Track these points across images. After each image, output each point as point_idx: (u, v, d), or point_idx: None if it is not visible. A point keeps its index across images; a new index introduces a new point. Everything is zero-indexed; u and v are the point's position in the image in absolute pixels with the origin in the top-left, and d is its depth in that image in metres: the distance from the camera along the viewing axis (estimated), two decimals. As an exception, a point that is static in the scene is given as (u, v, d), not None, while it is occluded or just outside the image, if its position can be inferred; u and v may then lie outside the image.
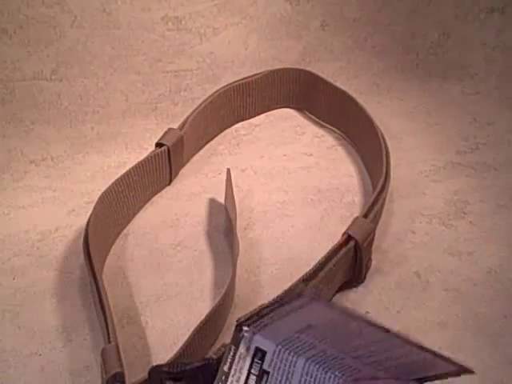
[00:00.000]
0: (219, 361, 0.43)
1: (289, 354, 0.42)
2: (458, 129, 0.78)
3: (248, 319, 0.42)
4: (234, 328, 0.43)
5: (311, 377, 0.42)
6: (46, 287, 0.56)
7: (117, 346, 0.45)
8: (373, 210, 0.58)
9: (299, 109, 0.81)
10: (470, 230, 0.62)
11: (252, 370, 0.41)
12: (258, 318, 0.42)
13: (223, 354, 0.42)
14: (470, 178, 0.69)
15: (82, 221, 0.60)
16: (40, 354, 0.50)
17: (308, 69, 0.80)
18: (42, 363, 0.49)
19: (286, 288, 0.45)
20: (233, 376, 0.40)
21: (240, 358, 0.41)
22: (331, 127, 0.77)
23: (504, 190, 0.68)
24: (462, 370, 0.38)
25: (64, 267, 0.58)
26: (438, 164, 0.72)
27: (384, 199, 0.61)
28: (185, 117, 0.70)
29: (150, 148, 0.67)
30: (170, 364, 0.43)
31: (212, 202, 0.66)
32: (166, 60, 0.77)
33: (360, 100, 0.73)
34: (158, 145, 0.65)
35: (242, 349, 0.42)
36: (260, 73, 0.77)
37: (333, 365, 0.42)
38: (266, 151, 0.74)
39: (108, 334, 0.47)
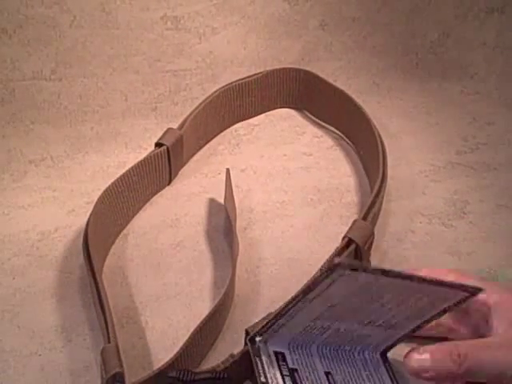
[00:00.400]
0: (227, 371, 0.44)
1: (301, 347, 0.44)
2: (457, 129, 0.78)
3: (260, 329, 0.44)
4: (245, 342, 0.45)
5: (328, 359, 0.45)
6: (46, 287, 0.56)
7: (116, 346, 0.45)
8: (371, 211, 0.58)
9: (299, 109, 0.81)
10: (469, 230, 0.63)
11: (283, 372, 0.43)
12: (267, 326, 0.43)
13: (231, 364, 0.43)
14: (469, 178, 0.69)
15: (81, 221, 0.60)
16: (40, 354, 0.50)
17: (308, 68, 0.80)
18: (41, 363, 0.49)
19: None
20: (272, 383, 0.42)
21: (268, 365, 0.43)
22: (330, 127, 0.77)
23: (504, 190, 0.68)
24: (473, 293, 0.41)
25: (64, 267, 0.58)
26: (437, 164, 0.72)
27: (381, 200, 0.61)
28: (185, 116, 0.70)
29: (150, 148, 0.67)
30: (180, 371, 0.43)
31: (212, 201, 0.66)
32: (165, 60, 0.77)
33: (360, 100, 0.73)
34: (158, 145, 0.65)
35: (264, 357, 0.43)
36: (260, 73, 0.77)
37: (343, 340, 0.45)
38: (266, 151, 0.74)
39: (108, 334, 0.47)
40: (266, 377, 0.42)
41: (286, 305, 0.41)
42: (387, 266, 0.39)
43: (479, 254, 0.59)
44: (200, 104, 0.72)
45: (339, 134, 0.76)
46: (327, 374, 0.44)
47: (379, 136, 0.67)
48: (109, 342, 0.46)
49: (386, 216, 0.64)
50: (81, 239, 0.55)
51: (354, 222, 0.56)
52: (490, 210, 0.65)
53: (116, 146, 0.73)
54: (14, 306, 0.54)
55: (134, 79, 0.76)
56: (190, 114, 0.70)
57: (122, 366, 0.44)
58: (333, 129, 0.77)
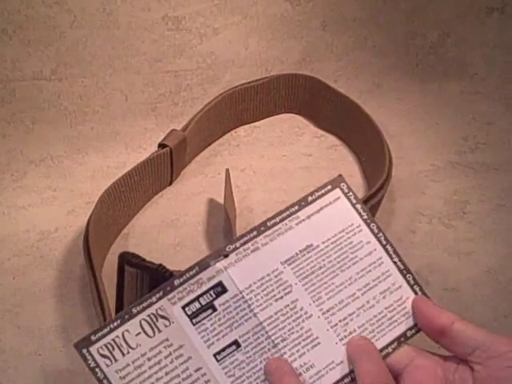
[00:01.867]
0: (172, 276, 0.43)
1: (248, 306, 0.40)
2: (457, 129, 0.78)
3: (233, 242, 0.41)
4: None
5: (255, 340, 0.40)
6: (46, 287, 0.56)
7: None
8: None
9: (303, 115, 0.80)
10: (469, 230, 0.62)
11: (200, 299, 0.40)
12: (243, 242, 0.41)
13: (185, 271, 0.41)
14: (469, 178, 0.69)
15: (81, 221, 0.60)
16: (40, 354, 0.50)
17: (308, 69, 0.80)
18: (42, 363, 0.49)
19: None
20: (179, 292, 0.40)
21: (197, 282, 0.40)
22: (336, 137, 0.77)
23: (504, 190, 0.68)
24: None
25: (64, 267, 0.58)
26: (437, 164, 0.72)
27: (380, 200, 0.61)
28: (185, 117, 0.70)
29: (150, 148, 0.67)
30: (135, 254, 0.46)
31: (212, 202, 0.66)
32: (165, 60, 0.77)
33: (360, 100, 0.73)
34: (161, 145, 0.65)
35: (204, 276, 0.40)
36: (265, 77, 0.77)
37: (286, 334, 0.40)
38: (266, 151, 0.74)
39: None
40: (181, 284, 0.40)
41: (277, 214, 0.41)
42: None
43: (479, 254, 0.59)
44: (204, 106, 0.71)
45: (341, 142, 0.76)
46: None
47: (388, 149, 0.66)
48: (108, 342, 0.46)
49: (387, 216, 0.64)
50: (81, 239, 0.55)
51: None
52: (490, 210, 0.65)
53: (116, 146, 0.73)
54: (14, 305, 0.54)
55: (135, 79, 0.76)
56: (195, 116, 0.70)
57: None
58: (335, 137, 0.77)
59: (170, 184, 0.68)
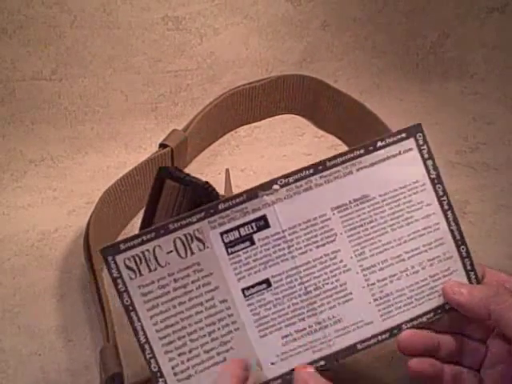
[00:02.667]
0: (218, 196, 0.42)
1: (287, 247, 0.39)
2: (457, 129, 0.78)
3: (287, 176, 0.39)
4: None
5: (288, 283, 0.39)
6: (46, 287, 0.56)
7: (115, 346, 0.45)
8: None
9: (305, 116, 0.80)
10: (469, 230, 0.62)
11: (240, 229, 0.38)
12: (296, 178, 0.39)
13: (232, 197, 0.39)
14: (469, 178, 0.69)
15: (81, 221, 0.60)
16: (40, 354, 0.50)
17: (309, 69, 0.80)
18: (42, 363, 0.49)
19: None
20: (221, 217, 0.38)
21: (242, 210, 0.38)
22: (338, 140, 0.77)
23: (504, 190, 0.68)
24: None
25: (64, 267, 0.58)
26: (437, 164, 0.71)
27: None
28: (185, 117, 0.70)
29: (150, 148, 0.67)
30: (178, 168, 0.43)
31: (212, 201, 0.66)
32: (166, 60, 0.77)
33: (360, 100, 0.73)
34: (162, 145, 0.65)
35: (250, 206, 0.38)
36: (267, 78, 0.77)
37: (320, 283, 0.39)
38: (266, 151, 0.74)
39: (107, 334, 0.47)
40: (227, 209, 0.38)
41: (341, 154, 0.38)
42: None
43: (479, 254, 0.59)
44: (206, 107, 0.71)
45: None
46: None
47: None
48: (108, 342, 0.46)
49: (386, 216, 0.64)
50: (81, 239, 0.55)
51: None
52: (490, 210, 0.65)
53: (116, 146, 0.73)
54: (14, 305, 0.54)
55: (135, 79, 0.76)
56: (196, 117, 0.69)
57: (120, 365, 0.44)
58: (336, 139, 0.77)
59: (170, 184, 0.68)
